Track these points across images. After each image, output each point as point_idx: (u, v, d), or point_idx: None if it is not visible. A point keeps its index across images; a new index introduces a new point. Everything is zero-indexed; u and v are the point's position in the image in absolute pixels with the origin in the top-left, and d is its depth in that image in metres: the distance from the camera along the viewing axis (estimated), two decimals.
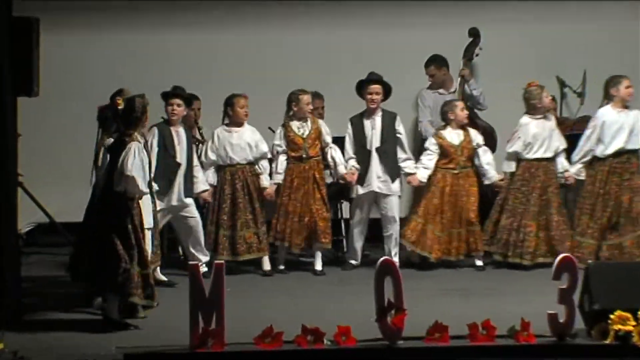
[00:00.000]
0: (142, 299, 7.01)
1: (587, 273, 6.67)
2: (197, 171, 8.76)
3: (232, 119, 8.94)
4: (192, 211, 8.71)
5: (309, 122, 8.98)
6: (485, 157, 9.14)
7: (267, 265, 8.96)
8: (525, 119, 9.08)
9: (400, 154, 9.09)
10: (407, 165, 9.08)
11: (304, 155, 8.92)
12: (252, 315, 7.12)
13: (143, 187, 7.04)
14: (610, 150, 8.94)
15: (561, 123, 9.57)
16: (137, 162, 6.99)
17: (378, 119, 9.04)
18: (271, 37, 10.25)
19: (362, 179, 9.02)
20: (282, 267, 9.03)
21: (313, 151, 8.94)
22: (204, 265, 8.44)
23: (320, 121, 9.07)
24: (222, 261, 6.39)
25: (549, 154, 9.07)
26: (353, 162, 9.04)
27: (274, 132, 9.14)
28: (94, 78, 9.88)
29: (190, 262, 6.85)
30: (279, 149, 8.97)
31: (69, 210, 9.45)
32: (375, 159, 9.01)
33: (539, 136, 9.03)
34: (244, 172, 8.88)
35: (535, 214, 9.01)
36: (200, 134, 9.42)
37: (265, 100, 9.38)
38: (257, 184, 8.89)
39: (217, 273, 6.32)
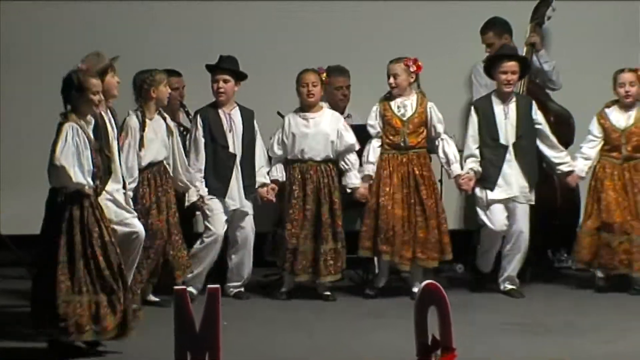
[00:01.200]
0: (76, 332, 6.98)
1: None
2: (261, 160, 8.87)
3: (301, 101, 8.97)
4: (249, 219, 8.87)
5: (413, 102, 8.93)
6: None
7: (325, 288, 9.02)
8: None
9: (547, 151, 9.05)
10: (564, 162, 9.04)
11: (401, 144, 8.91)
12: (256, 354, 7.15)
13: (79, 178, 7.01)
14: None
15: None
16: (69, 148, 6.98)
17: (512, 105, 9.04)
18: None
19: (492, 181, 8.98)
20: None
21: (414, 140, 8.91)
22: (238, 286, 8.91)
23: (431, 104, 8.95)
24: (217, 286, 6.33)
25: None
26: (473, 163, 9.00)
27: (283, 117, 9.11)
28: (60, 48, 9.83)
29: (176, 288, 6.79)
30: (373, 130, 8.97)
31: (21, 221, 9.45)
32: (511, 157, 8.99)
33: None
34: (316, 171, 8.89)
35: None
36: (189, 119, 9.41)
37: (274, 79, 9.38)
38: (334, 187, 8.88)
39: (211, 300, 6.29)
